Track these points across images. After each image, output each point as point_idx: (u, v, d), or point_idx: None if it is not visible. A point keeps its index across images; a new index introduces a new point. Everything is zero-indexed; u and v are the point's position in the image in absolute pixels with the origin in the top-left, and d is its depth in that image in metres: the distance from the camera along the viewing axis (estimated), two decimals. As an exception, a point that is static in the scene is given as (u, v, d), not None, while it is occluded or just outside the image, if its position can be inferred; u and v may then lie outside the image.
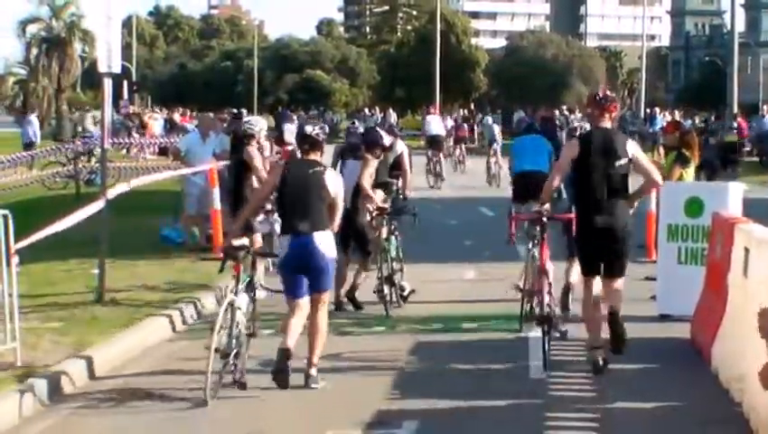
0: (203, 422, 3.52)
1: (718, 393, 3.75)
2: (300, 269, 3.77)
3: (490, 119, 18.22)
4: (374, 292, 5.23)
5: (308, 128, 4.00)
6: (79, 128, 17.80)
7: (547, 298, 4.19)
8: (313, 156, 3.86)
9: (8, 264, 3.99)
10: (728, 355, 3.89)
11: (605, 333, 4.03)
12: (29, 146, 15.56)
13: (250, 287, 3.83)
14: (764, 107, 18.65)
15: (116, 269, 5.93)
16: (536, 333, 4.63)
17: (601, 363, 3.96)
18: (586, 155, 3.98)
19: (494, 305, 5.52)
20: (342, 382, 3.87)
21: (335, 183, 3.82)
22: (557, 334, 4.41)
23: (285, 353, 3.66)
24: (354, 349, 4.49)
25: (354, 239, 5.28)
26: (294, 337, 3.74)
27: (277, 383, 3.62)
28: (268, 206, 4.92)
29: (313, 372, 3.81)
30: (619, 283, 4.02)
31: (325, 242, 3.77)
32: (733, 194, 5.19)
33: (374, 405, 3.63)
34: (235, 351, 3.66)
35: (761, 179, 14.93)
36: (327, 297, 3.97)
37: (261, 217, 5.67)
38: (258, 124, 4.44)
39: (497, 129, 14.99)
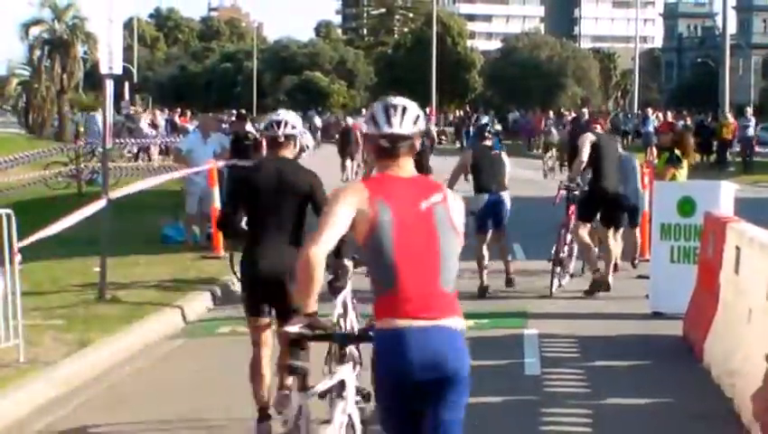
0: (203, 419, 3.55)
1: (710, 389, 3.78)
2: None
3: (485, 119, 18.33)
4: None
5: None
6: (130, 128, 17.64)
7: (565, 249, 5.83)
8: None
9: (11, 262, 4.03)
10: (720, 352, 3.93)
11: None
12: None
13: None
14: (748, 108, 18.45)
15: (117, 268, 5.95)
16: (532, 330, 4.70)
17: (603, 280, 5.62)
18: (599, 146, 5.75)
19: (491, 302, 5.56)
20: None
21: None
22: (568, 275, 5.83)
23: None
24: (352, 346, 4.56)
25: None
26: None
27: None
28: None
29: None
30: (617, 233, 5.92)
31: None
32: (724, 194, 5.24)
33: (372, 402, 3.69)
34: None
35: (753, 178, 14.97)
36: None
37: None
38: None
39: None
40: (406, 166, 2.03)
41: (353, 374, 2.33)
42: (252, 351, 3.19)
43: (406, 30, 44.26)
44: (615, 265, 5.93)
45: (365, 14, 53.05)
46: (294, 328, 2.04)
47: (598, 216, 5.74)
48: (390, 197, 1.98)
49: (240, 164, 7.23)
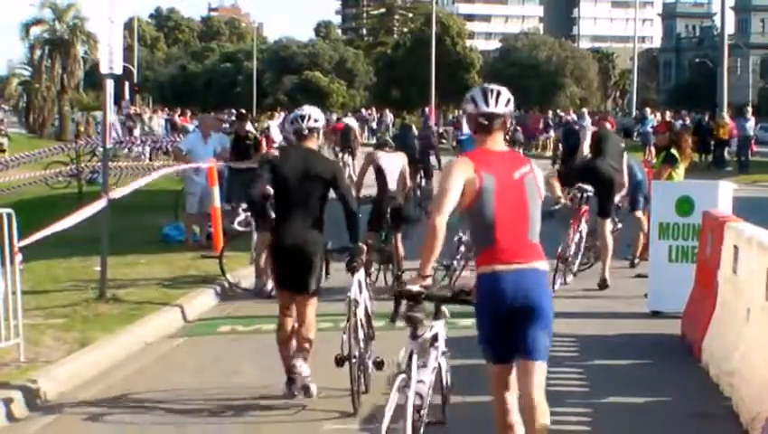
0: (202, 417, 3.55)
1: (709, 388, 3.79)
2: None
3: None
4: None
5: None
6: (146, 128, 17.66)
7: (572, 248, 5.93)
8: None
9: (12, 262, 4.04)
10: (718, 351, 3.94)
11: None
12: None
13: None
14: (748, 108, 18.46)
15: (117, 267, 5.97)
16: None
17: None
18: (603, 138, 6.24)
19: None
20: (340, 377, 3.84)
21: None
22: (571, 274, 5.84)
23: None
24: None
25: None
26: None
27: None
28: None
29: None
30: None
31: None
32: (723, 193, 5.26)
33: (372, 399, 3.65)
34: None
35: (751, 178, 14.97)
36: None
37: (242, 217, 5.55)
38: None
39: None
40: (498, 141, 2.53)
41: (444, 329, 2.83)
42: (279, 319, 3.68)
43: (405, 30, 44.27)
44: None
45: (364, 15, 53.07)
46: (415, 287, 2.57)
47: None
48: (491, 168, 2.47)
49: (240, 166, 7.29)
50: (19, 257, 4.15)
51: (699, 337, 4.26)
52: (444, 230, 2.42)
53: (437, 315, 2.83)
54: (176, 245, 7.47)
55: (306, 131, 3.58)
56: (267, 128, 11.25)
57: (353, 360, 3.46)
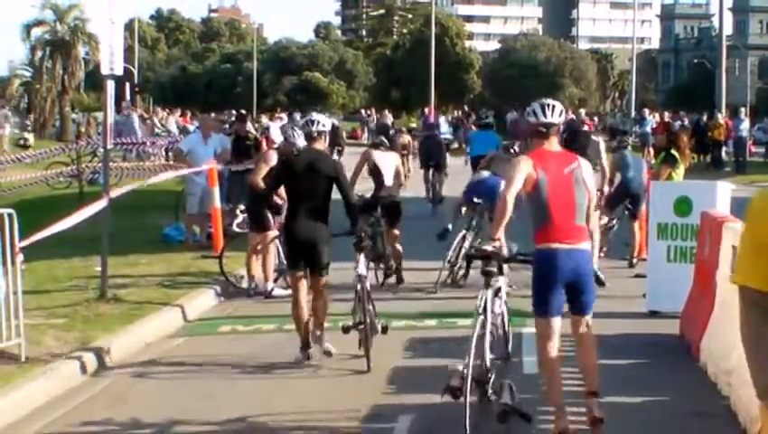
0: (200, 416, 3.56)
1: (707, 388, 3.81)
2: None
3: (491, 118, 18.86)
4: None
5: None
6: (161, 128, 17.79)
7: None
8: None
9: (13, 262, 4.06)
10: (716, 351, 3.95)
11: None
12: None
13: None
14: (743, 109, 18.51)
15: (118, 267, 6.00)
16: (530, 329, 4.78)
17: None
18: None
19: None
20: (338, 377, 3.92)
21: None
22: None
23: None
24: (349, 344, 4.53)
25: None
26: None
27: None
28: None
29: None
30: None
31: None
32: (721, 194, 5.27)
33: (370, 399, 3.68)
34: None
35: (749, 178, 14.96)
36: None
37: (240, 218, 5.93)
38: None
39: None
40: (553, 143, 3.24)
41: (506, 283, 3.67)
42: (292, 295, 4.33)
43: (404, 31, 44.32)
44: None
45: (364, 16, 53.11)
46: (488, 247, 3.33)
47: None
48: (546, 165, 3.19)
49: (239, 168, 7.35)
50: (20, 257, 4.17)
51: (698, 337, 4.28)
52: (511, 203, 3.19)
53: (501, 271, 3.54)
54: (176, 245, 7.49)
55: (315, 134, 4.32)
56: (267, 129, 11.31)
57: (361, 326, 4.15)
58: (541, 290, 3.25)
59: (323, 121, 4.41)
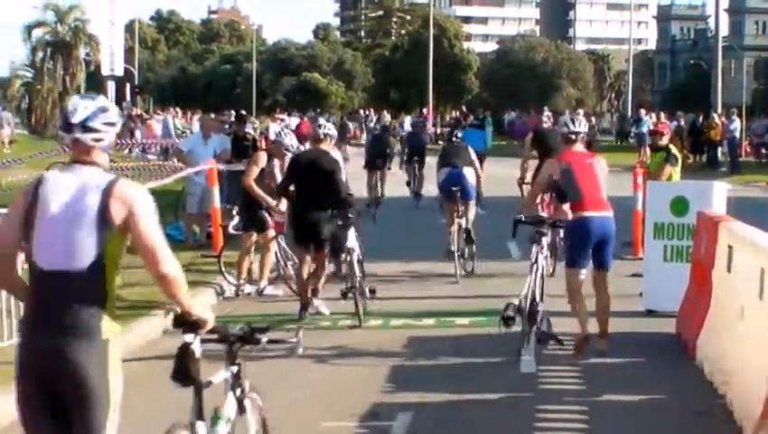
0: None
1: (703, 386, 3.83)
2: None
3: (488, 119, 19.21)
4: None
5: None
6: (179, 129, 17.91)
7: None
8: None
9: (14, 261, 4.13)
10: (713, 349, 3.99)
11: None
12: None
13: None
14: (734, 109, 18.48)
15: (118, 266, 6.05)
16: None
17: None
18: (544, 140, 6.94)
19: (485, 301, 5.63)
20: (337, 376, 3.95)
21: None
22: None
23: None
24: (349, 343, 4.57)
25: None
26: None
27: None
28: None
29: None
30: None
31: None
32: (717, 194, 5.31)
33: (368, 398, 3.69)
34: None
35: (745, 178, 15.01)
36: None
37: (236, 220, 6.20)
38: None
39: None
40: (579, 146, 4.57)
41: (544, 255, 4.65)
42: (298, 265, 5.24)
43: (403, 32, 44.27)
44: None
45: (363, 17, 53.09)
46: (544, 213, 4.64)
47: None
48: (571, 159, 4.47)
49: (237, 168, 7.41)
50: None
51: (694, 336, 4.31)
52: (536, 196, 4.96)
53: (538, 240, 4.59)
54: (176, 245, 7.47)
55: (321, 136, 5.28)
56: (267, 129, 11.37)
57: (354, 289, 5.02)
58: (577, 250, 4.40)
59: (329, 126, 5.55)
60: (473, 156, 6.75)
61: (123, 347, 4.81)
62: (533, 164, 6.58)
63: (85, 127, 2.06)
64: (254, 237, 5.80)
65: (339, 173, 5.16)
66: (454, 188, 6.42)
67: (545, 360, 4.30)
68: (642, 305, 5.34)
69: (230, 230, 6.36)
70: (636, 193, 7.12)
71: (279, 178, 5.67)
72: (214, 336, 2.25)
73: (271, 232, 5.74)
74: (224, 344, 2.31)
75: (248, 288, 5.89)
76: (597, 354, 4.35)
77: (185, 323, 2.20)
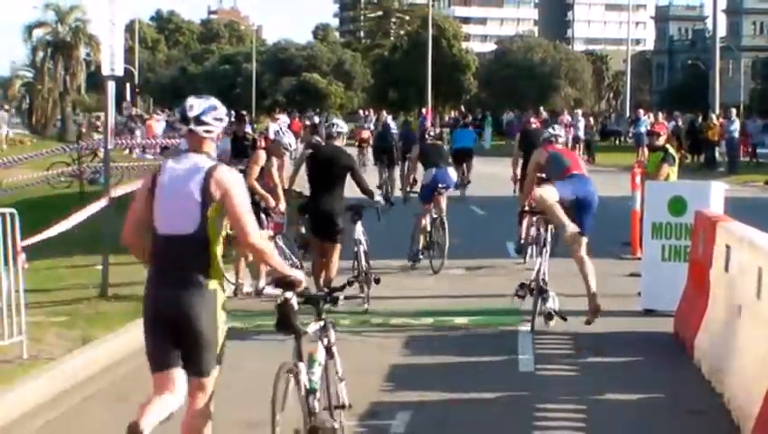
0: None
1: (701, 385, 3.85)
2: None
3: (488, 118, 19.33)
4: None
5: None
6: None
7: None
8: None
9: (15, 261, 4.10)
10: (710, 348, 4.00)
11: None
12: None
13: None
14: (733, 110, 18.49)
15: (119, 266, 5.97)
16: (525, 327, 4.84)
17: None
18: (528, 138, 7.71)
19: (484, 300, 5.66)
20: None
21: None
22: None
23: None
24: (348, 342, 4.57)
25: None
26: None
27: None
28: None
29: None
30: None
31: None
32: (715, 194, 5.33)
33: (368, 397, 3.70)
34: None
35: (743, 178, 15.05)
36: None
37: None
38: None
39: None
40: (561, 143, 5.62)
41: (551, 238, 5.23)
42: (314, 259, 5.47)
43: (402, 32, 44.29)
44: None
45: (362, 17, 53.11)
46: (525, 207, 5.46)
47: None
48: (553, 148, 5.28)
49: (238, 168, 7.41)
50: (22, 256, 4.20)
51: (692, 334, 4.32)
52: (532, 182, 5.32)
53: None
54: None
55: (335, 134, 5.52)
56: (266, 129, 11.40)
57: (360, 277, 5.39)
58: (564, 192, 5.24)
59: (342, 124, 5.80)
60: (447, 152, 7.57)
61: (123, 347, 4.87)
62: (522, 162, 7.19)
63: (198, 120, 2.58)
64: None
65: (358, 169, 5.58)
66: (441, 186, 6.79)
67: (543, 359, 4.32)
68: (640, 304, 5.36)
69: (228, 230, 6.34)
70: (634, 193, 7.16)
71: (277, 177, 5.79)
72: (302, 299, 2.76)
73: (266, 233, 5.79)
74: (312, 305, 2.83)
75: (246, 288, 5.91)
76: (595, 353, 4.36)
77: (284, 283, 2.70)
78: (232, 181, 2.56)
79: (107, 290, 5.45)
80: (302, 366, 2.68)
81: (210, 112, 2.59)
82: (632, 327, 4.94)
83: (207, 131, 2.59)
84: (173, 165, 2.58)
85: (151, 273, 2.58)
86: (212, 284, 2.55)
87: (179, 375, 2.56)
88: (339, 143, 5.48)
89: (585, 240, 4.89)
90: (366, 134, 15.96)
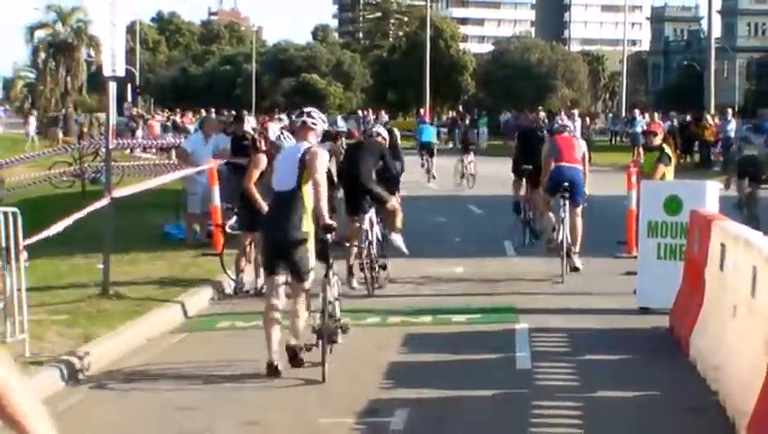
0: (200, 409, 3.61)
1: (696, 383, 3.85)
2: None
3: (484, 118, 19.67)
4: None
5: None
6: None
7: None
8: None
9: (17, 259, 4.12)
10: (706, 346, 4.01)
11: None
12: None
13: None
14: (729, 110, 18.43)
15: (120, 264, 6.05)
16: (523, 325, 4.88)
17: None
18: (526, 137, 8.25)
19: (482, 298, 5.69)
20: (335, 373, 3.93)
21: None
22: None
23: None
24: (348, 340, 4.57)
25: None
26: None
27: None
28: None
29: None
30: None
31: None
32: (710, 193, 5.34)
33: (367, 394, 3.72)
34: None
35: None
36: None
37: (233, 220, 6.35)
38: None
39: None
40: (566, 134, 6.85)
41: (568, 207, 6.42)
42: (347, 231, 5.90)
43: (400, 33, 44.29)
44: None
45: (361, 19, 53.04)
46: (566, 183, 6.57)
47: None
48: (557, 137, 6.63)
49: (238, 161, 7.48)
50: (24, 255, 4.22)
51: (687, 332, 4.33)
52: (549, 164, 6.48)
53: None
54: (177, 243, 7.52)
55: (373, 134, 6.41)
56: (266, 129, 11.42)
57: (367, 262, 5.83)
58: (552, 185, 6.36)
59: (379, 129, 6.58)
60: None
61: (123, 346, 4.88)
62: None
63: (309, 115, 4.26)
64: (251, 236, 5.85)
65: (390, 159, 6.22)
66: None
67: (540, 357, 4.35)
68: (636, 302, 5.38)
69: (228, 229, 6.39)
70: (630, 192, 7.18)
71: None
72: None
73: None
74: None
75: (247, 286, 5.95)
76: (590, 351, 4.41)
77: (325, 227, 4.04)
78: (318, 157, 4.06)
79: (109, 289, 5.46)
80: (332, 282, 4.10)
81: (316, 113, 4.31)
82: (627, 325, 4.96)
83: (314, 123, 4.22)
84: (288, 147, 4.41)
85: (266, 218, 4.45)
86: (306, 226, 4.05)
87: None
88: (380, 139, 6.32)
89: (579, 209, 6.33)
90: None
